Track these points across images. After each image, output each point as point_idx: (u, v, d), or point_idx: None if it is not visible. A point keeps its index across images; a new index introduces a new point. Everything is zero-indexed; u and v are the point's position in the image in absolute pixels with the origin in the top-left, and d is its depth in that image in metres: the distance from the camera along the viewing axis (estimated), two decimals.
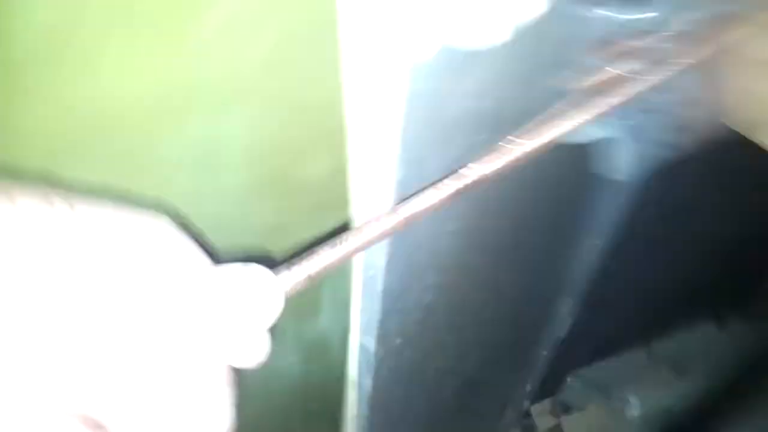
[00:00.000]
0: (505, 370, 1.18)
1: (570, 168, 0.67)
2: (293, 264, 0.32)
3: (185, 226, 0.29)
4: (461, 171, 0.37)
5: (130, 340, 0.24)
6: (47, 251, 0.22)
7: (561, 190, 0.79)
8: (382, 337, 0.51)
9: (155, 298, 0.25)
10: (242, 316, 0.28)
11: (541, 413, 1.49)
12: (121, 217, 0.26)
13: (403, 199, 0.37)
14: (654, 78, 0.42)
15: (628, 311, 1.40)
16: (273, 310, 0.29)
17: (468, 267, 0.61)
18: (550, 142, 0.41)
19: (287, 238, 0.72)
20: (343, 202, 0.42)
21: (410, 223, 0.34)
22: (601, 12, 0.50)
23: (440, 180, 0.37)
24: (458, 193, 0.36)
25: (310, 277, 0.32)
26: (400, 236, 0.44)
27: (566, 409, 1.47)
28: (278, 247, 0.71)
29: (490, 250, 0.65)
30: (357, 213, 0.40)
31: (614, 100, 0.43)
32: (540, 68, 0.47)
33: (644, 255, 1.13)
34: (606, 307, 1.23)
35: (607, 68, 0.50)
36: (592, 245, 1.03)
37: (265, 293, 0.29)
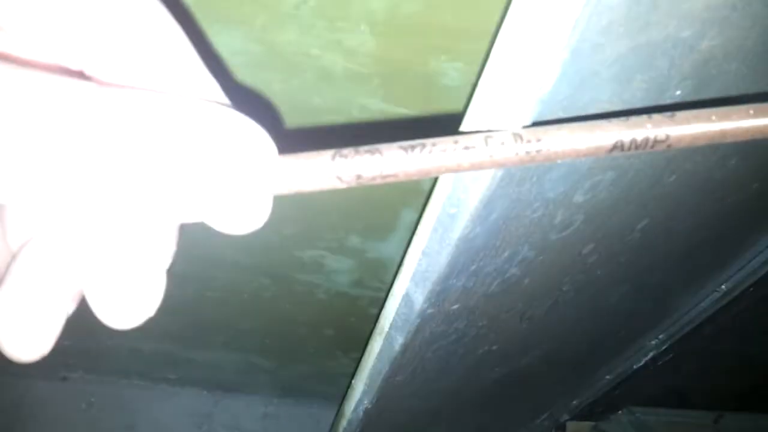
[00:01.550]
0: (560, 375, 1.05)
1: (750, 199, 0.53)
2: (341, 155, 0.21)
3: None
4: (642, 118, 0.23)
5: None
6: None
7: (727, 220, 0.64)
8: (436, 295, 0.39)
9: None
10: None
11: None
12: None
13: (539, 123, 0.24)
14: None
15: (714, 373, 1.27)
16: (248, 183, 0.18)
17: (573, 259, 0.48)
18: None
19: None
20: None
21: (534, 160, 0.21)
22: None
23: (605, 117, 0.23)
24: (637, 147, 0.22)
25: (358, 177, 0.21)
26: (518, 176, 0.31)
27: None
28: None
29: (610, 255, 0.52)
30: (472, 120, 0.27)
31: None
32: None
33: (761, 324, 0.97)
34: (693, 356, 1.09)
35: None
36: (714, 290, 0.88)
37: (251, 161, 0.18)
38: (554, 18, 0.21)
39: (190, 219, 0.19)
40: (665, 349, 1.04)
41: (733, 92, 0.34)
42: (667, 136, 0.23)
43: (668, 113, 0.23)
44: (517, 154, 0.21)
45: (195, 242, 0.96)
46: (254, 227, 0.19)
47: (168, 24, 0.19)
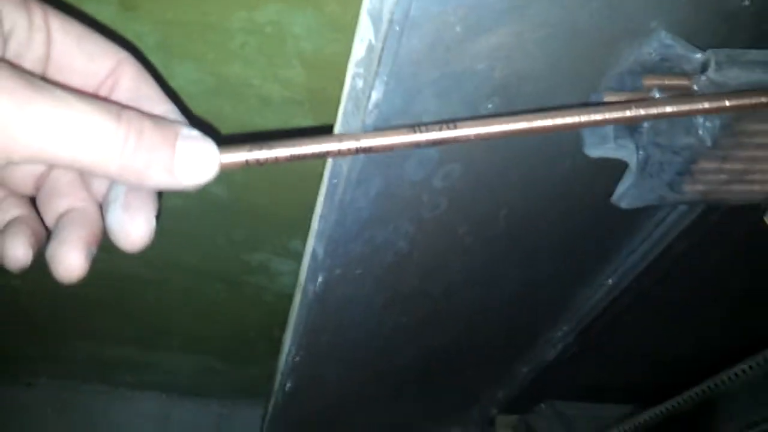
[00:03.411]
0: (480, 364, 1.19)
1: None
2: (255, 147, 0.35)
3: None
4: (444, 124, 0.38)
5: None
6: None
7: (592, 215, 0.78)
8: (340, 256, 0.53)
9: None
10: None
11: (504, 426, 1.50)
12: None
13: (377, 129, 0.39)
14: (669, 108, 0.42)
15: (622, 368, 1.39)
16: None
17: (452, 239, 0.62)
18: (546, 128, 0.42)
19: None
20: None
21: (370, 152, 0.36)
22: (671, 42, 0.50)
23: (421, 124, 0.38)
24: (431, 144, 0.37)
25: (247, 163, 0.35)
26: (384, 162, 0.46)
27: (529, 430, 1.47)
28: None
29: (485, 240, 0.66)
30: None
31: (623, 114, 0.43)
32: (580, 59, 0.47)
33: (652, 313, 1.12)
34: (599, 349, 1.23)
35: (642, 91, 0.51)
36: (602, 284, 1.03)
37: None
38: (368, 54, 0.35)
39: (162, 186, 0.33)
40: (571, 342, 1.18)
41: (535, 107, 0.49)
42: (453, 137, 0.38)
43: (451, 122, 0.38)
44: (351, 148, 0.36)
45: (153, 247, 1.08)
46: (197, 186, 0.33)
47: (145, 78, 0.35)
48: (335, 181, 0.43)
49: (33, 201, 0.37)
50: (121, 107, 0.30)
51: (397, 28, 0.34)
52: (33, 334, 1.33)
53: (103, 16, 0.67)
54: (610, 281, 1.02)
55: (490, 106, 0.46)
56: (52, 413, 1.46)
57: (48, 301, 1.21)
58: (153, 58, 0.73)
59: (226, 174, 0.37)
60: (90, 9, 0.67)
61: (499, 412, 1.50)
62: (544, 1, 0.38)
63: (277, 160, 0.36)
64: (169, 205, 0.95)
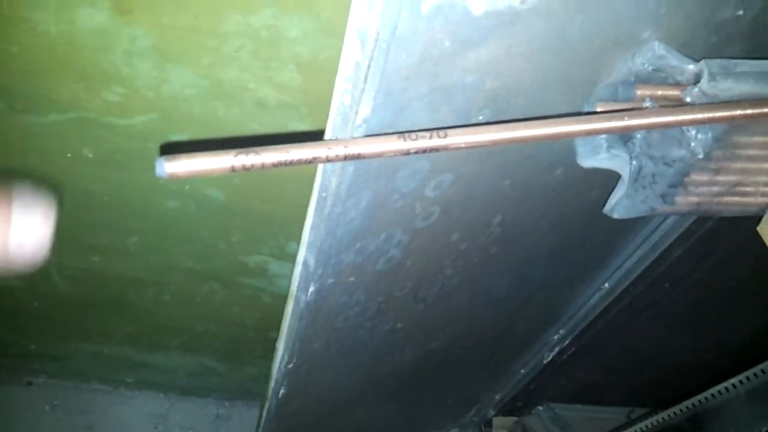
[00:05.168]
0: (476, 366, 1.19)
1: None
2: (242, 153, 0.35)
3: None
4: (435, 132, 0.38)
5: None
6: None
7: (587, 221, 0.78)
8: (332, 266, 0.53)
9: None
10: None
11: (501, 428, 1.50)
12: None
13: (367, 136, 0.39)
14: (662, 118, 0.42)
15: (619, 369, 1.40)
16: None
17: (446, 246, 0.62)
18: (537, 137, 0.42)
19: None
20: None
21: (358, 159, 0.36)
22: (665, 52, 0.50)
23: (411, 132, 0.38)
24: (421, 151, 0.37)
25: (233, 168, 0.35)
26: (374, 173, 0.46)
27: None
28: None
29: (480, 246, 0.66)
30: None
31: (618, 124, 0.43)
32: (572, 70, 0.47)
33: (647, 317, 1.12)
34: (595, 352, 1.23)
35: (636, 101, 0.51)
36: (599, 288, 1.03)
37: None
38: (356, 71, 0.35)
39: None
40: (568, 344, 1.18)
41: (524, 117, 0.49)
42: (444, 145, 0.38)
43: (441, 130, 0.38)
44: (339, 154, 0.36)
45: (153, 250, 1.09)
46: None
47: None
48: (324, 194, 0.43)
49: None
50: None
51: (384, 46, 0.33)
52: (33, 333, 1.34)
53: (97, 20, 0.67)
54: (606, 285, 1.03)
55: (480, 117, 0.46)
56: (52, 412, 1.47)
57: (48, 302, 1.21)
58: (147, 62, 0.73)
59: (222, 177, 0.37)
60: (84, 13, 0.67)
61: (497, 413, 1.51)
62: (531, 15, 0.38)
63: (263, 167, 0.36)
64: (167, 207, 0.95)
